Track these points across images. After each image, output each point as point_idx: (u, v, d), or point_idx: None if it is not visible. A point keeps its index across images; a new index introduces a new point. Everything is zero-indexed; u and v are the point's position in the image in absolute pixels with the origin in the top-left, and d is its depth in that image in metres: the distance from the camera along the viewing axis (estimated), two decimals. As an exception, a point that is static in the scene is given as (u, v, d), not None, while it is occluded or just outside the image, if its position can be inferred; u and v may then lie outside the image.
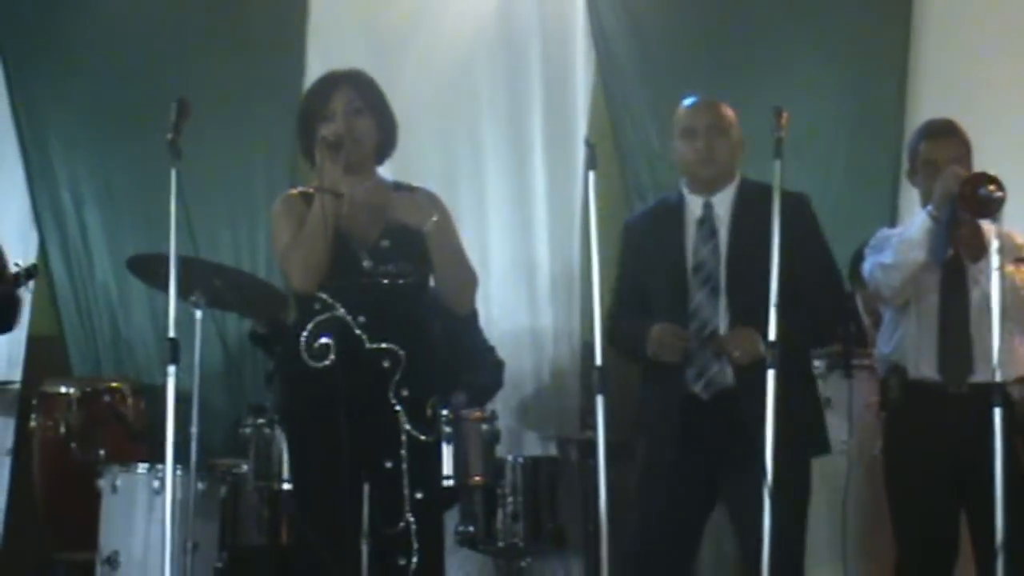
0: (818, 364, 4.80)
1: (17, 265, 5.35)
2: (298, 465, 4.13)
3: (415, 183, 4.23)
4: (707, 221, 4.21)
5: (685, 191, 4.28)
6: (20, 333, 5.88)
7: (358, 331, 3.93)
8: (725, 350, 4.06)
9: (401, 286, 3.97)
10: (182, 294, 3.94)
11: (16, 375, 6.03)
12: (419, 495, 3.93)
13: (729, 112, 4.29)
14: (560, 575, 6.07)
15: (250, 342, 5.79)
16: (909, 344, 4.41)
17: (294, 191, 4.17)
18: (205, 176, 5.75)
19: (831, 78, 6.18)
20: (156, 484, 4.89)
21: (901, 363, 4.42)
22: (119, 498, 5.01)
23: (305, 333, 3.94)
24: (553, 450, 6.06)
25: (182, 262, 3.91)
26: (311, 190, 4.03)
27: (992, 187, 4.08)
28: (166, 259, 3.87)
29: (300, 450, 4.07)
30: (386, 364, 3.94)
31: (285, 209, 4.08)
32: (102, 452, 5.40)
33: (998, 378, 4.01)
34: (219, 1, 6.41)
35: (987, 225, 4.15)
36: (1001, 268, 4.03)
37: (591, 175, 4.14)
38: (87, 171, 6.31)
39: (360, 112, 4.03)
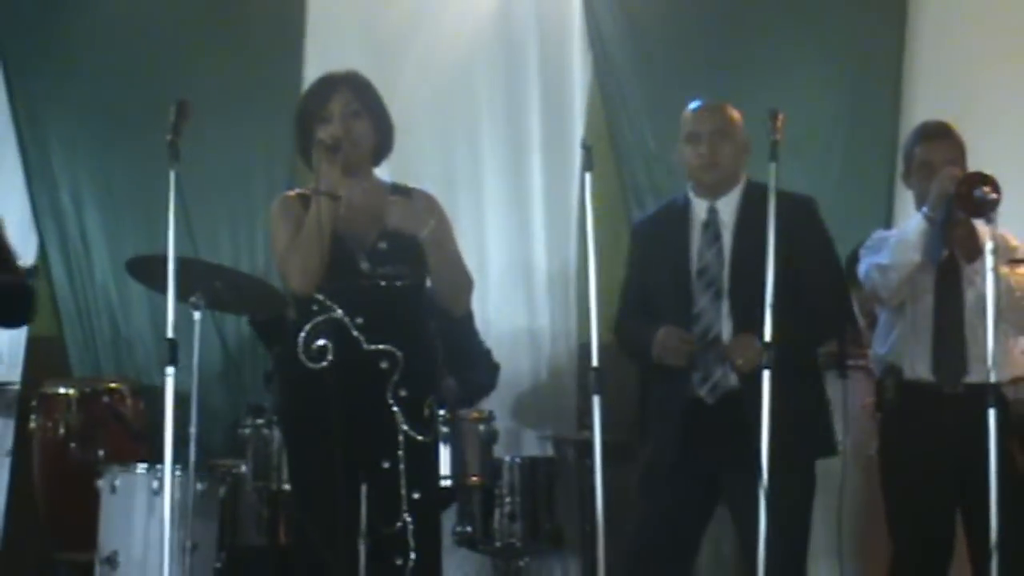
0: (814, 365, 4.82)
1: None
2: (296, 465, 4.15)
3: (413, 184, 4.24)
4: (712, 225, 4.22)
5: (691, 194, 4.29)
6: (20, 334, 5.89)
7: (356, 332, 3.94)
8: (728, 358, 4.07)
9: (398, 287, 3.99)
10: (181, 295, 3.94)
11: (16, 376, 6.03)
12: (416, 495, 3.94)
13: (735, 115, 4.29)
14: (557, 575, 6.09)
15: (250, 328, 5.80)
16: (904, 345, 4.41)
17: (292, 193, 4.18)
18: (204, 177, 5.74)
19: (827, 80, 6.18)
20: (155, 484, 4.88)
21: (896, 364, 4.43)
22: (118, 498, 5.01)
23: (303, 334, 3.95)
24: (550, 450, 6.06)
25: (181, 263, 3.91)
26: (308, 192, 4.05)
27: (987, 188, 4.09)
28: (165, 260, 3.87)
29: (298, 450, 4.08)
30: (384, 365, 3.96)
31: (283, 211, 4.09)
32: (101, 452, 5.42)
33: (993, 379, 4.02)
34: (218, 3, 6.41)
35: (982, 226, 4.15)
36: (995, 269, 4.03)
37: (588, 176, 4.15)
38: (87, 172, 6.32)
39: (357, 114, 4.04)
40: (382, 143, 4.13)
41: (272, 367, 5.15)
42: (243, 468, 5.22)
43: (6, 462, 5.94)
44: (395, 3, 6.41)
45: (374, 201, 4.06)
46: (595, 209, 4.14)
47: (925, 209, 4.32)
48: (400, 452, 3.94)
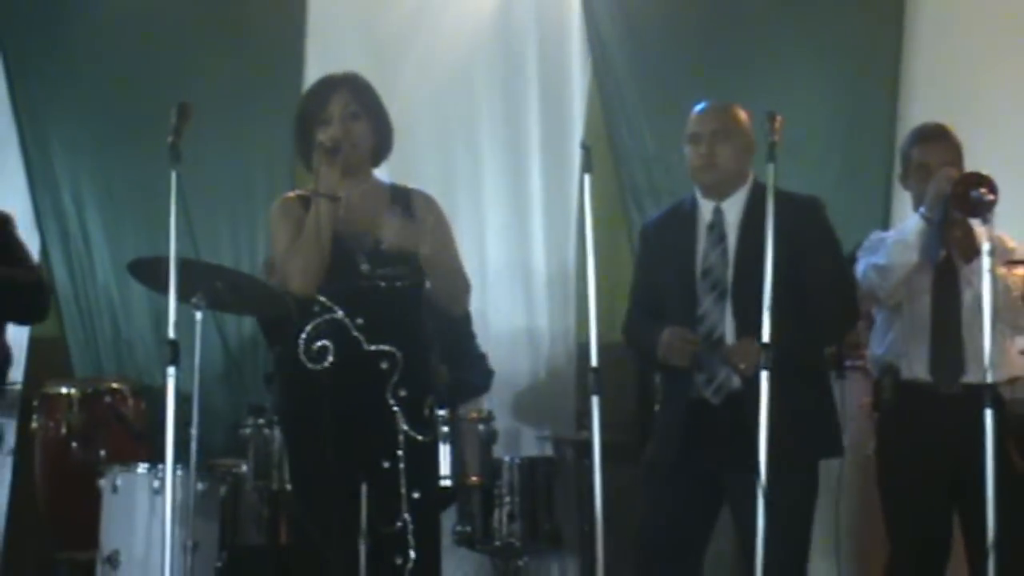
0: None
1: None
2: (297, 465, 4.16)
3: (412, 185, 4.26)
4: (717, 226, 4.22)
5: (698, 195, 4.29)
6: (22, 334, 5.90)
7: (356, 333, 3.96)
8: (730, 362, 4.08)
9: (398, 288, 4.00)
10: (183, 296, 3.93)
11: (18, 376, 6.04)
12: (416, 495, 3.95)
13: (738, 116, 4.28)
14: (556, 574, 6.10)
15: (253, 328, 5.80)
16: (902, 345, 4.42)
17: (291, 194, 4.19)
18: (206, 178, 5.76)
19: (824, 82, 6.18)
20: (156, 484, 4.88)
21: (894, 364, 4.43)
22: (120, 498, 5.01)
23: (304, 335, 3.97)
24: (549, 450, 6.07)
25: (182, 264, 3.91)
26: (308, 193, 4.07)
27: (984, 189, 4.09)
28: (167, 262, 3.88)
29: (299, 450, 4.10)
30: (384, 365, 3.97)
31: (283, 212, 4.11)
32: (103, 452, 5.42)
33: (989, 379, 4.02)
34: (219, 5, 6.43)
35: (979, 227, 4.17)
36: (993, 270, 4.04)
37: (587, 178, 4.16)
38: (88, 173, 6.33)
39: (357, 116, 4.06)
40: (381, 144, 4.15)
41: (273, 367, 5.17)
42: (244, 468, 5.23)
43: (8, 461, 5.95)
44: (395, 5, 6.42)
45: (374, 202, 4.08)
46: (593, 210, 4.15)
47: (922, 210, 4.34)
48: (400, 452, 3.95)
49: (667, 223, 4.38)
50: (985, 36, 6.00)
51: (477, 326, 5.84)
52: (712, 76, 6.02)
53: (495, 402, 5.79)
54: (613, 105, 6.31)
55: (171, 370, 3.86)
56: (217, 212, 6.19)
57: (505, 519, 5.46)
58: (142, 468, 5.05)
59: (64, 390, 5.64)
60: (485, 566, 5.90)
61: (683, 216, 4.29)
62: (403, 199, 4.15)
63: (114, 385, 5.75)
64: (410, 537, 3.93)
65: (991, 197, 4.08)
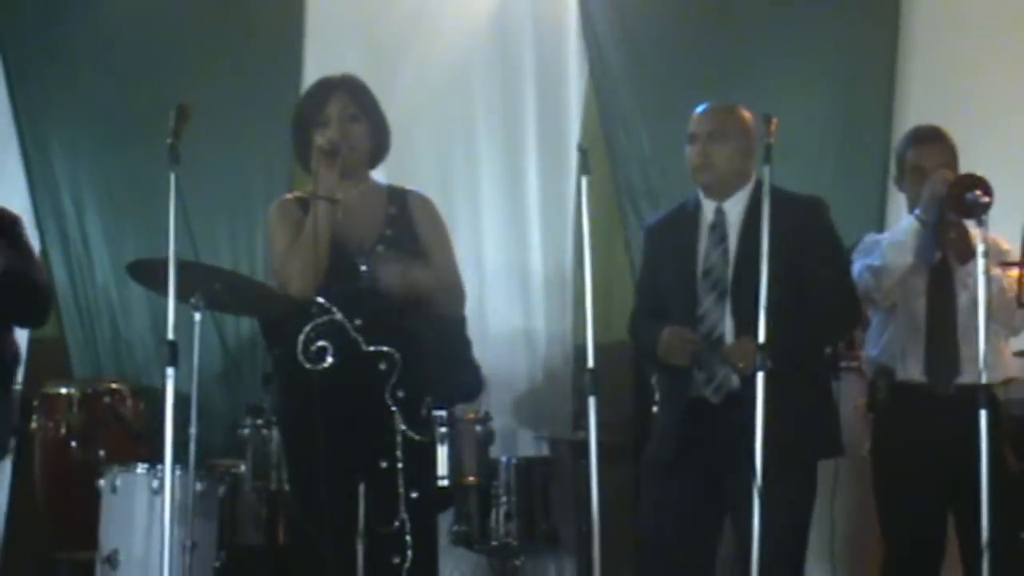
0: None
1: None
2: (295, 465, 4.18)
3: (410, 186, 4.28)
4: (718, 226, 4.23)
5: (701, 196, 4.30)
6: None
7: (354, 334, 3.98)
8: (729, 361, 4.09)
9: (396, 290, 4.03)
10: (181, 297, 3.93)
11: (18, 376, 6.05)
12: (414, 494, 3.97)
13: (739, 117, 4.27)
14: (553, 574, 6.11)
15: (252, 328, 5.81)
16: (897, 346, 4.44)
17: (289, 195, 4.21)
18: (204, 180, 5.76)
19: (820, 84, 6.19)
20: (155, 484, 4.88)
21: (889, 365, 4.45)
22: (119, 498, 5.02)
23: (302, 336, 3.98)
24: (546, 451, 6.08)
25: (181, 265, 3.91)
26: (306, 195, 4.08)
27: (979, 191, 4.11)
28: (166, 263, 3.88)
29: (297, 451, 4.11)
30: (382, 366, 3.99)
31: (281, 214, 4.12)
32: (102, 452, 5.42)
33: (984, 380, 4.04)
34: (218, 7, 6.42)
35: (974, 229, 4.17)
36: (987, 271, 4.06)
37: (584, 180, 4.19)
38: (88, 175, 6.33)
39: (355, 118, 4.08)
40: (379, 146, 4.17)
41: (271, 368, 5.18)
42: (242, 468, 5.25)
43: (8, 462, 5.96)
44: (393, 8, 6.42)
45: (371, 204, 4.10)
46: (590, 212, 4.17)
47: (918, 211, 4.35)
48: (398, 452, 3.97)
49: (671, 223, 4.39)
50: (980, 38, 6.00)
51: (474, 327, 5.84)
52: (708, 78, 6.03)
53: (492, 403, 5.80)
54: (609, 107, 6.32)
55: (170, 371, 3.87)
56: (216, 213, 6.18)
57: (502, 519, 5.48)
58: (141, 468, 5.04)
59: (63, 390, 5.65)
60: (482, 566, 5.91)
61: (686, 216, 4.30)
62: (400, 200, 4.17)
63: (113, 385, 5.76)
64: (408, 537, 3.95)
65: (986, 199, 4.09)
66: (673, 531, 4.18)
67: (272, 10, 6.44)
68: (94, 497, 5.09)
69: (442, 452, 4.75)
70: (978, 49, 5.98)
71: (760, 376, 3.86)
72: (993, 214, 4.09)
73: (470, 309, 5.52)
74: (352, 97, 4.10)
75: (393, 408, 4.00)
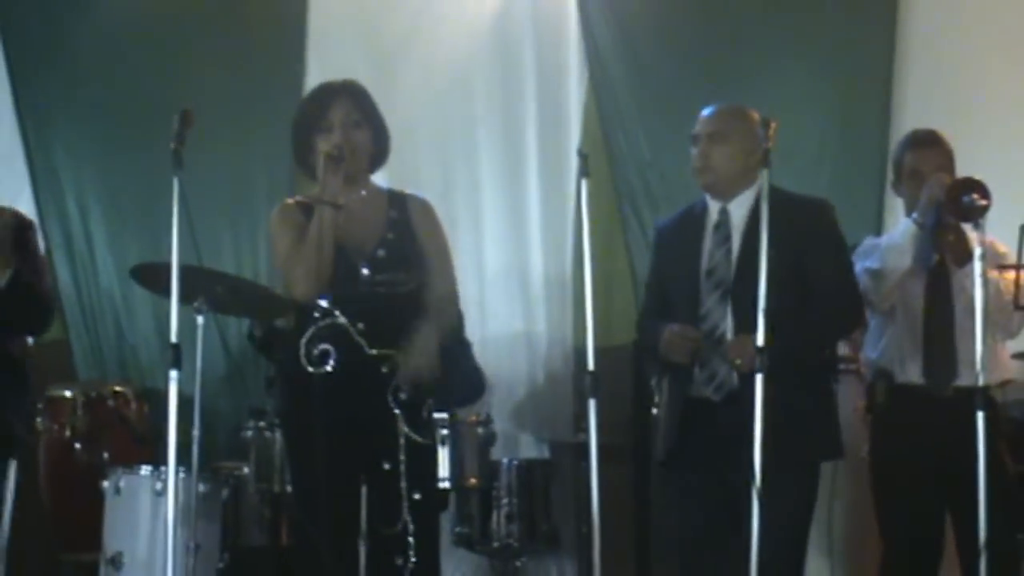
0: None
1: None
2: (297, 468, 4.20)
3: (412, 191, 4.30)
4: (723, 227, 4.23)
5: (708, 197, 4.31)
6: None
7: (357, 337, 4.00)
8: (727, 358, 4.10)
9: (398, 294, 4.06)
10: (185, 300, 3.95)
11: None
12: (417, 496, 4.00)
13: (741, 119, 4.25)
14: (554, 575, 6.12)
15: (249, 343, 5.82)
16: (895, 349, 4.46)
17: (291, 200, 4.23)
18: (207, 184, 5.76)
19: (817, 88, 6.19)
20: (159, 486, 4.89)
21: (887, 367, 4.47)
22: (123, 500, 5.03)
23: (305, 339, 4.00)
24: (547, 453, 6.10)
25: (184, 269, 3.93)
26: (307, 199, 4.11)
27: (976, 194, 4.13)
28: (169, 266, 3.89)
29: (300, 453, 4.13)
30: (385, 369, 4.02)
31: (282, 218, 4.15)
32: (106, 455, 5.43)
33: (982, 382, 4.06)
34: (220, 13, 6.43)
35: (971, 232, 4.20)
36: (984, 274, 4.08)
37: (584, 184, 4.20)
38: (92, 179, 6.35)
39: (359, 124, 4.10)
40: (380, 152, 4.20)
41: (274, 371, 5.19)
42: (245, 470, 5.25)
43: (13, 463, 5.97)
44: (395, 13, 6.43)
45: (372, 208, 4.13)
46: (590, 215, 4.19)
47: (915, 215, 4.37)
48: (401, 454, 3.99)
49: (679, 224, 4.40)
50: (977, 43, 6.00)
51: (475, 330, 5.85)
52: (707, 83, 6.00)
53: (493, 405, 5.82)
54: (609, 112, 6.33)
55: (173, 373, 3.88)
56: (219, 217, 6.19)
57: (503, 520, 5.48)
58: (145, 470, 5.06)
59: (68, 393, 5.65)
60: (483, 567, 5.91)
61: (694, 218, 4.32)
62: (400, 204, 4.19)
63: (117, 388, 5.76)
64: (411, 538, 3.97)
65: (983, 202, 4.11)
66: (704, 531, 4.19)
67: (274, 15, 6.45)
68: (98, 499, 5.10)
69: (443, 454, 4.76)
70: (975, 53, 5.99)
71: (759, 378, 3.88)
72: (990, 216, 4.11)
73: (471, 312, 5.55)
74: (355, 103, 4.12)
75: (395, 411, 4.02)
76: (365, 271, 4.05)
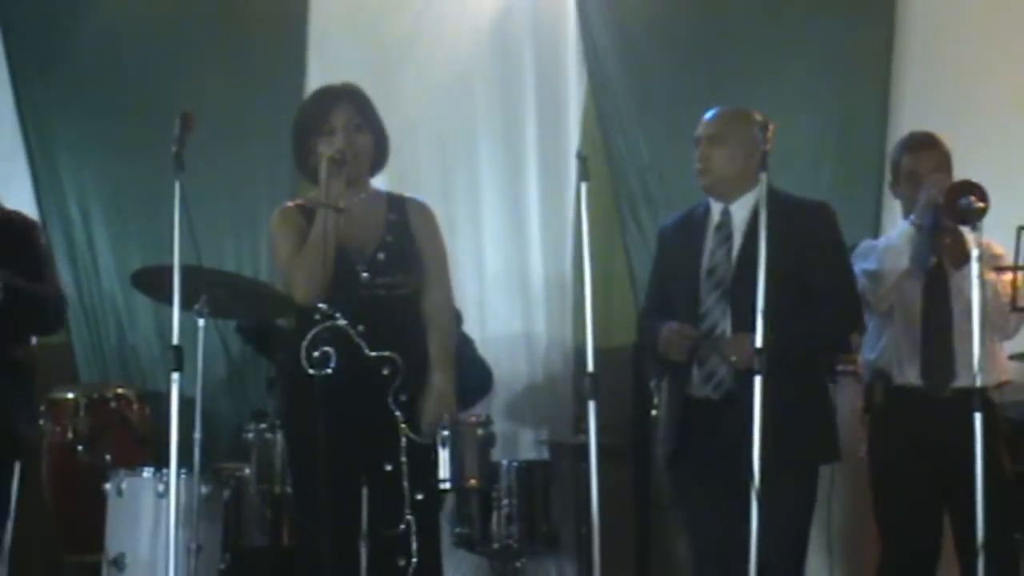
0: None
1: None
2: (298, 469, 4.20)
3: (412, 193, 4.31)
4: (724, 227, 4.25)
5: (710, 199, 4.33)
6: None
7: (357, 340, 4.02)
8: (724, 355, 4.11)
9: (398, 296, 4.07)
10: (186, 303, 3.96)
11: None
12: (419, 496, 4.02)
13: (741, 122, 4.24)
14: (554, 576, 6.16)
15: (238, 334, 5.83)
16: (893, 350, 4.47)
17: (291, 203, 4.24)
18: (208, 187, 5.77)
19: (816, 91, 6.20)
20: (161, 487, 4.86)
21: (885, 369, 4.48)
22: (125, 501, 5.02)
23: (306, 342, 4.02)
24: (546, 454, 6.11)
25: (186, 272, 3.93)
26: (307, 202, 4.12)
27: (973, 197, 4.13)
28: (170, 270, 3.91)
29: (300, 454, 4.14)
30: (385, 371, 4.03)
31: (283, 221, 4.16)
32: (109, 456, 5.42)
33: (979, 383, 4.07)
34: (221, 16, 6.45)
35: (968, 234, 4.20)
36: (982, 276, 4.09)
37: (583, 186, 4.22)
38: (94, 183, 6.37)
39: (360, 128, 4.12)
40: (380, 155, 4.21)
41: (275, 373, 5.21)
42: (247, 471, 5.27)
43: (17, 465, 5.98)
44: (395, 16, 6.45)
45: (372, 211, 4.14)
46: (589, 217, 4.20)
47: (913, 217, 4.39)
48: (402, 455, 4.02)
49: (681, 224, 4.42)
50: (975, 46, 6.02)
51: (475, 331, 5.88)
52: (705, 86, 6.03)
53: (493, 406, 5.84)
54: (608, 115, 6.34)
55: (175, 376, 3.89)
56: (220, 220, 6.21)
57: (503, 521, 5.49)
58: (147, 472, 5.05)
59: (70, 395, 5.65)
60: (483, 568, 5.92)
61: (696, 218, 4.34)
62: (399, 207, 4.21)
63: (119, 390, 5.75)
64: (412, 539, 3.98)
65: (981, 205, 4.12)
66: (717, 531, 4.19)
67: (275, 17, 6.46)
68: (100, 500, 5.09)
69: (443, 455, 4.75)
70: (973, 55, 6.00)
71: (757, 379, 3.89)
72: (988, 218, 4.12)
73: (471, 312, 5.58)
74: (356, 107, 4.13)
75: (396, 412, 4.03)
76: (365, 274, 4.06)
